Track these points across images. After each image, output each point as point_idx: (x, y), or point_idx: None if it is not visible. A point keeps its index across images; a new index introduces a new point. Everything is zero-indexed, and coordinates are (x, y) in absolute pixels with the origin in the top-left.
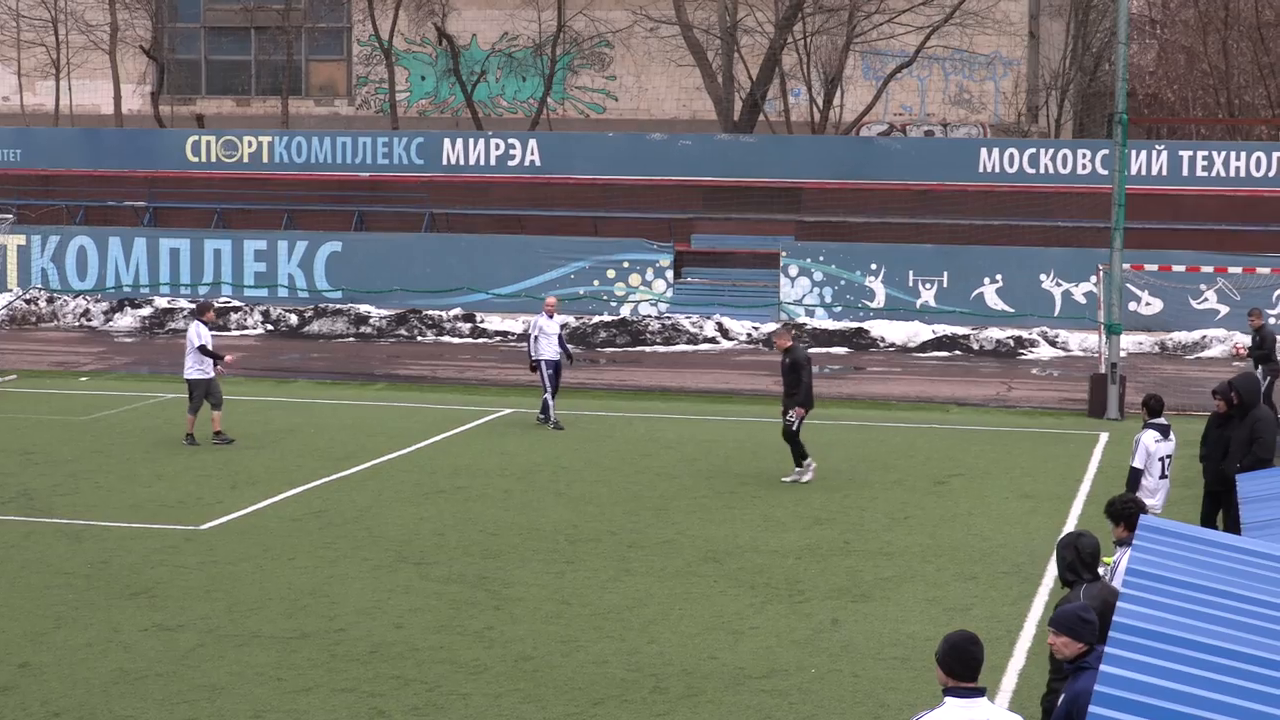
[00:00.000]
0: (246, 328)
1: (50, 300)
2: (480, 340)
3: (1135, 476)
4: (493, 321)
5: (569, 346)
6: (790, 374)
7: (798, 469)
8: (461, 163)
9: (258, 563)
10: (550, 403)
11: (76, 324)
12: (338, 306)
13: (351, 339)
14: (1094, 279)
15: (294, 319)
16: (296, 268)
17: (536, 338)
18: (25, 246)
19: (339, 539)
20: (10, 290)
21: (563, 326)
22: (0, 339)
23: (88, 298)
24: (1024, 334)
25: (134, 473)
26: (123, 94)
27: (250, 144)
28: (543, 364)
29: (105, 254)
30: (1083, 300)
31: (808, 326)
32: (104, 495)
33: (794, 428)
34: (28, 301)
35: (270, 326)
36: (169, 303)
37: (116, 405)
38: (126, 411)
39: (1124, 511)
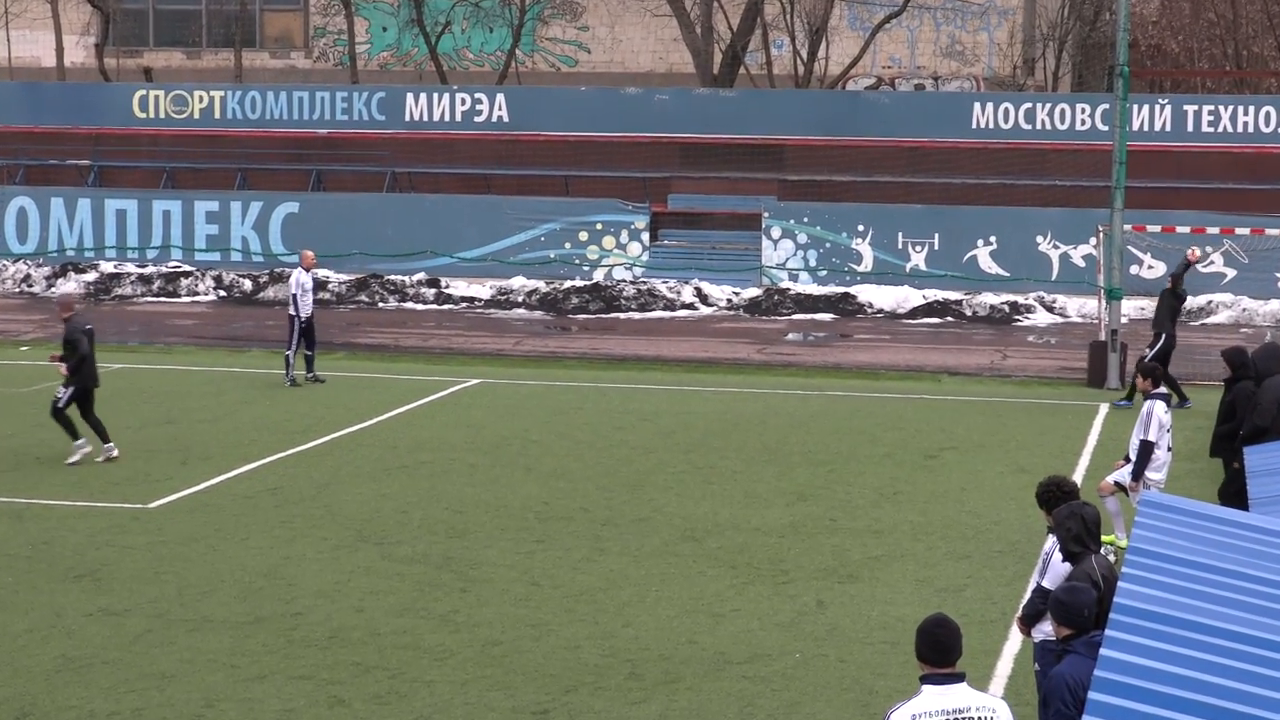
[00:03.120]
0: (198, 294)
1: None
2: (445, 306)
3: (1147, 450)
4: (458, 287)
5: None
6: (66, 347)
7: (77, 445)
8: (425, 119)
9: (209, 543)
10: (292, 360)
11: (16, 290)
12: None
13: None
14: (1093, 241)
15: (248, 284)
16: (251, 230)
17: (298, 295)
18: None
19: (295, 517)
20: None
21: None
22: None
23: (28, 262)
24: (1020, 299)
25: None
26: (65, 45)
27: (201, 99)
28: (298, 320)
29: (47, 215)
30: (1082, 264)
31: (791, 291)
32: (46, 471)
33: (60, 404)
34: None
35: (223, 293)
36: (115, 268)
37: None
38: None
39: (1044, 497)
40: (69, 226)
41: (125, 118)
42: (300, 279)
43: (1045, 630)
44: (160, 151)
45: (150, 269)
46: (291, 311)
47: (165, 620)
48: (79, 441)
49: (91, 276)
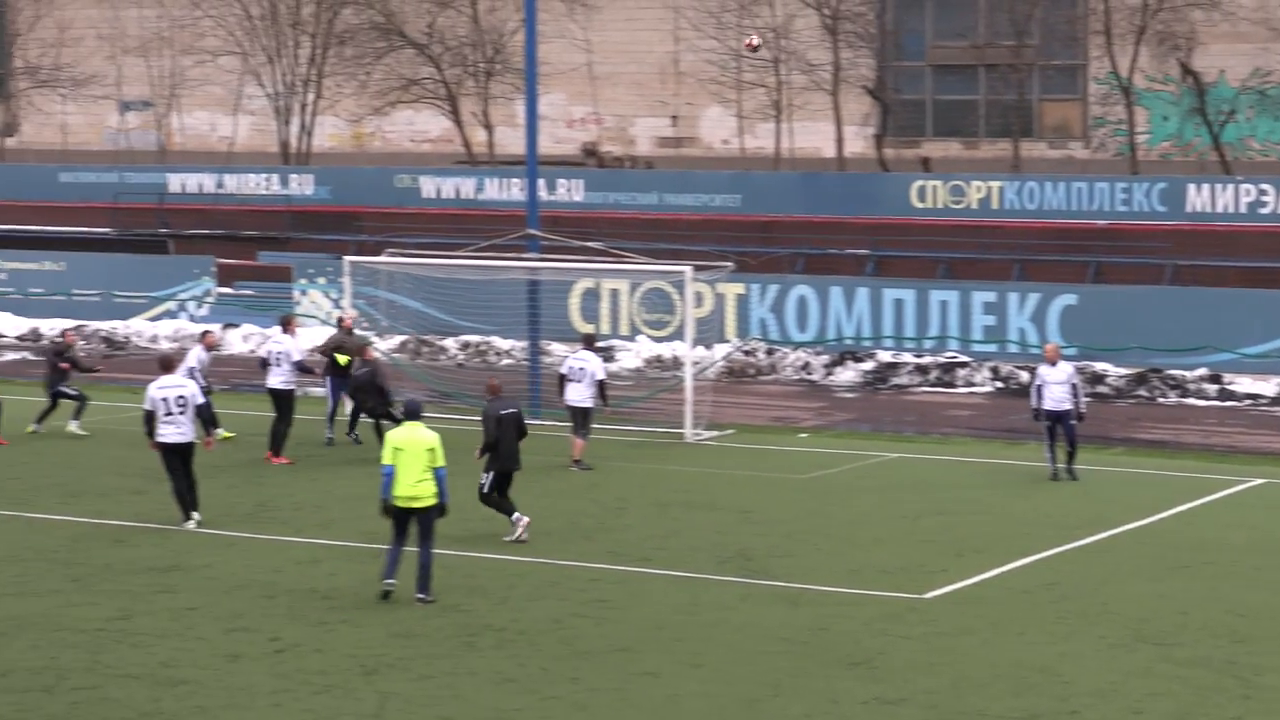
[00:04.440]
0: (974, 385)
1: (769, 352)
2: (1228, 403)
3: None
4: (1242, 383)
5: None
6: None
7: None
8: (1207, 210)
9: (984, 636)
10: (1051, 455)
11: (795, 377)
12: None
13: (1087, 399)
14: None
15: (1025, 376)
16: (1028, 321)
17: (1040, 387)
18: (744, 295)
19: (1071, 614)
20: (728, 341)
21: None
22: (718, 391)
23: (807, 350)
24: None
25: (854, 536)
26: (844, 136)
27: (978, 189)
28: (1042, 414)
29: (826, 304)
30: None
31: None
32: (822, 558)
33: (483, 489)
34: (746, 353)
35: (1000, 384)
36: (893, 357)
37: (836, 464)
38: (847, 471)
39: None
40: (847, 315)
41: (903, 208)
42: (1042, 372)
43: None
44: (937, 241)
45: (927, 359)
46: (1035, 405)
47: (939, 713)
48: (515, 516)
49: (869, 365)
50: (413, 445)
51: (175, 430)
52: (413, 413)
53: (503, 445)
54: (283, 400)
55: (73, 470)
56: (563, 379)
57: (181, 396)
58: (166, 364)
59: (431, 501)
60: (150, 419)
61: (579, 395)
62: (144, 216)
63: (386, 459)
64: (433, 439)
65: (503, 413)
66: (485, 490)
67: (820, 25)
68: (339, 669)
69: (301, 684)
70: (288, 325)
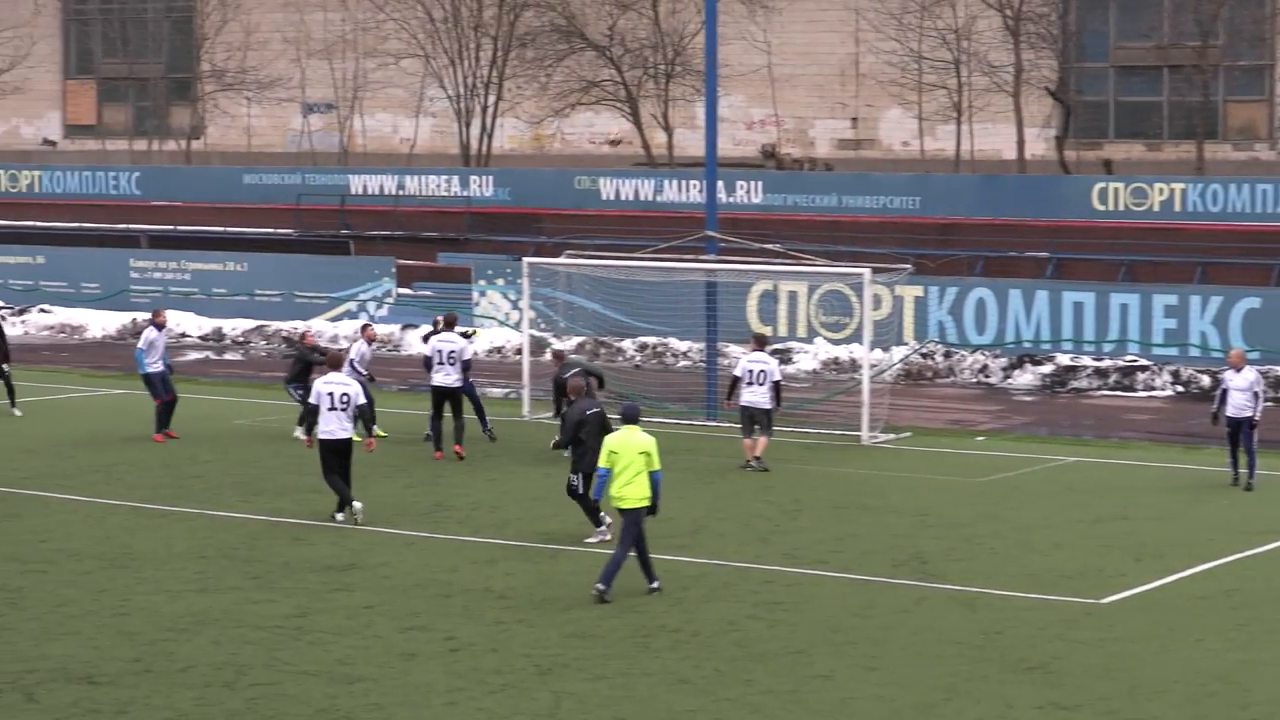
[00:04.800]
0: (1154, 388)
1: (947, 355)
2: None
3: None
4: None
5: (1263, 404)
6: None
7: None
8: None
9: (1162, 642)
10: (1233, 460)
11: (973, 380)
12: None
13: (1269, 404)
14: None
15: (1206, 381)
16: (1210, 325)
17: (1224, 392)
18: (922, 298)
19: (1251, 621)
20: (906, 343)
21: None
22: (895, 394)
23: (986, 353)
24: None
25: (1030, 540)
26: (1025, 138)
27: (1161, 191)
28: (1222, 419)
29: (1005, 307)
30: None
31: None
32: (999, 562)
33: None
34: (924, 355)
35: (1180, 388)
36: (1072, 360)
37: (1014, 467)
38: (1024, 474)
39: None
40: (1026, 318)
41: (1084, 210)
42: (1228, 378)
43: None
44: (1118, 244)
45: (1106, 362)
46: (1216, 409)
47: (1114, 719)
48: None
49: (1047, 369)
50: (627, 448)
51: (338, 427)
52: (630, 417)
53: (590, 445)
54: (456, 398)
55: (253, 469)
56: (735, 380)
57: (345, 394)
58: (335, 362)
59: (638, 504)
60: (313, 413)
61: (758, 397)
62: (326, 218)
63: (603, 462)
64: (648, 443)
65: (589, 413)
66: (579, 490)
67: (1002, 26)
68: (514, 668)
69: (476, 683)
70: (452, 324)
